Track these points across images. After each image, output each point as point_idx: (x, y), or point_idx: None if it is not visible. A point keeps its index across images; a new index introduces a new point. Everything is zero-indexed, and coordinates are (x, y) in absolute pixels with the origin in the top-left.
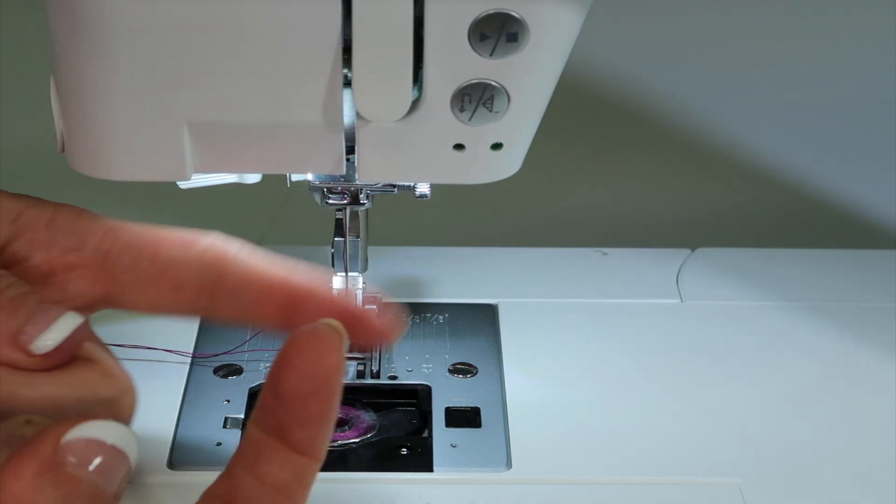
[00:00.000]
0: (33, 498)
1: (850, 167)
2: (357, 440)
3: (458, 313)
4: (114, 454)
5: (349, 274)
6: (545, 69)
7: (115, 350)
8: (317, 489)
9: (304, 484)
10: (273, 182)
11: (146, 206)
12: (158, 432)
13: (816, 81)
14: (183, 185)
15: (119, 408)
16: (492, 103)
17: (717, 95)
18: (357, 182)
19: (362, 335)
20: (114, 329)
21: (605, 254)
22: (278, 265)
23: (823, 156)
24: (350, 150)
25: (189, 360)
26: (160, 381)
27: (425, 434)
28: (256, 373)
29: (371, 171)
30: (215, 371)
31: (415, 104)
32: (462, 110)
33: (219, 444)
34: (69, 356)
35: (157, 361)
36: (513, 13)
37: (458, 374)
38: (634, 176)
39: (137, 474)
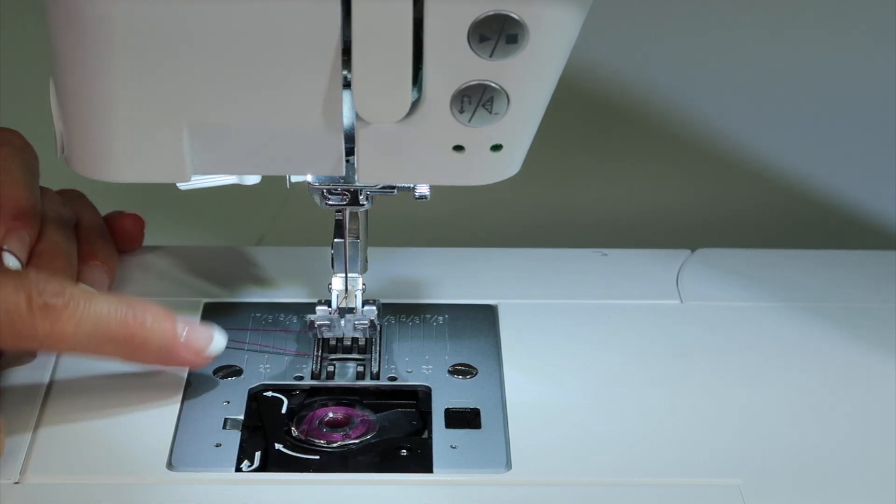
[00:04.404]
0: None
1: (850, 167)
2: (357, 441)
3: (457, 314)
4: None
5: (349, 275)
6: (545, 70)
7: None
8: (316, 490)
9: None
10: (273, 183)
11: (146, 207)
12: (158, 433)
13: (816, 81)
14: (183, 186)
15: None
16: (491, 104)
17: (717, 96)
18: (357, 183)
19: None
20: None
21: (605, 254)
22: None
23: (823, 156)
24: (350, 151)
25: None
26: (160, 382)
27: (425, 435)
28: (256, 374)
29: (371, 173)
30: (215, 372)
31: (414, 105)
32: (462, 111)
33: (218, 444)
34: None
35: None
36: (512, 14)
37: (458, 375)
38: (634, 176)
39: (136, 475)
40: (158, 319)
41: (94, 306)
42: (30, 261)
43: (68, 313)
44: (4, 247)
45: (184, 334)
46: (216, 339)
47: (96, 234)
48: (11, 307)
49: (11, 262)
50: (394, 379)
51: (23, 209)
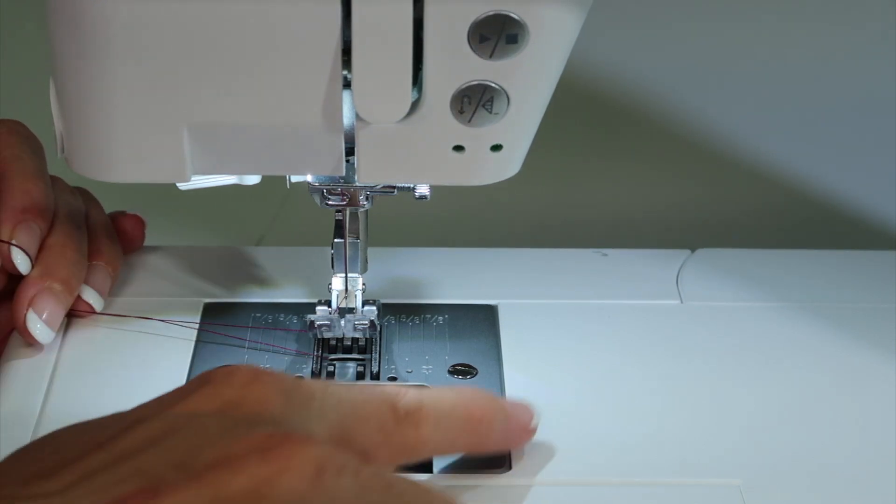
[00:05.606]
0: None
1: (850, 167)
2: None
3: (457, 314)
4: None
5: (349, 275)
6: (545, 70)
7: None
8: None
9: None
10: (273, 183)
11: (146, 207)
12: None
13: (816, 81)
14: (183, 186)
15: None
16: (491, 105)
17: (717, 96)
18: (357, 183)
19: None
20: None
21: (605, 255)
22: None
23: (823, 156)
24: (350, 151)
25: (192, 345)
26: (160, 382)
27: None
28: None
29: (371, 173)
30: None
31: (414, 106)
32: (462, 112)
33: None
34: None
35: (162, 342)
36: (512, 15)
37: (458, 376)
38: (634, 176)
39: None
40: (489, 402)
41: (441, 405)
42: (41, 253)
43: (425, 417)
44: (13, 241)
45: (510, 412)
46: (536, 413)
47: (103, 233)
48: (382, 422)
49: (20, 258)
50: (394, 379)
51: (34, 200)
